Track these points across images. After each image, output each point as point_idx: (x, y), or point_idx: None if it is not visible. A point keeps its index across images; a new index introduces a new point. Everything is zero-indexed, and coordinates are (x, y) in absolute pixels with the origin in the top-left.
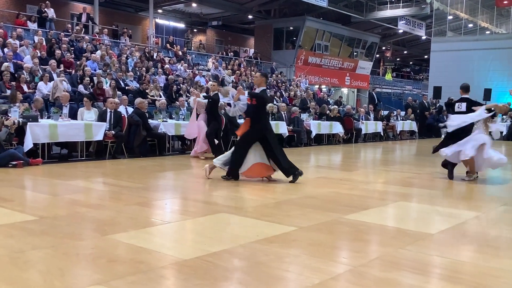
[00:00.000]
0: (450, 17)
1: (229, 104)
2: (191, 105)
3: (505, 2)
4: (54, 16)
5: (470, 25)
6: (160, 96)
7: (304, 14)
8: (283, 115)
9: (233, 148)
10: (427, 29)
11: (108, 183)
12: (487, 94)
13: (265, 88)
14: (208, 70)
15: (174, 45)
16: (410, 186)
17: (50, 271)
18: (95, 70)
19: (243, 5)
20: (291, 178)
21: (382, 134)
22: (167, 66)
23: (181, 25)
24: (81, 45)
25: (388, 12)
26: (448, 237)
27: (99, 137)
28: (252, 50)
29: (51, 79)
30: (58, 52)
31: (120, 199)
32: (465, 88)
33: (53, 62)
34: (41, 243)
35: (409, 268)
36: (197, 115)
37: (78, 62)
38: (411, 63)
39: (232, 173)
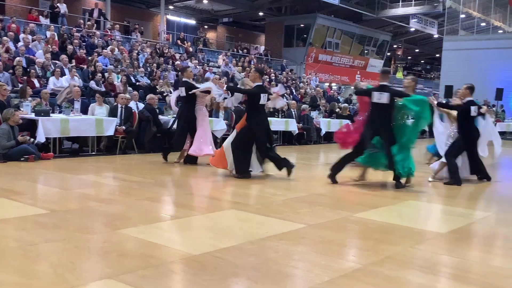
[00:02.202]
0: (462, 16)
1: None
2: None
3: None
4: (66, 12)
5: (483, 24)
6: (171, 92)
7: (315, 11)
8: (293, 112)
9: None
10: (439, 27)
11: (118, 178)
12: (499, 93)
13: (260, 83)
14: (219, 67)
15: (185, 42)
16: (420, 185)
17: (61, 264)
18: (106, 66)
19: (254, 2)
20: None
21: None
22: (177, 62)
23: (192, 22)
24: (93, 41)
25: (400, 10)
26: (458, 237)
27: (110, 132)
28: (262, 47)
29: (62, 74)
30: (70, 47)
31: (131, 194)
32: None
33: (64, 57)
34: (52, 236)
35: (419, 267)
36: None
37: (89, 58)
38: (422, 61)
39: (241, 171)
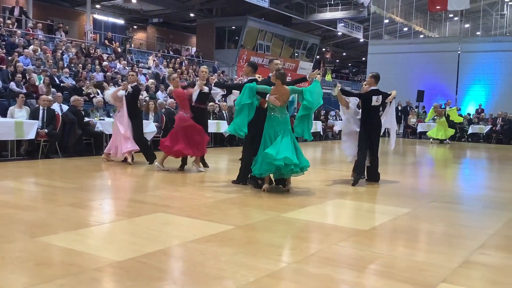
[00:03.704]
0: (386, 21)
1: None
2: (108, 99)
3: (438, 7)
4: None
5: (405, 29)
6: (98, 94)
7: (246, 14)
8: (224, 114)
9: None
10: (364, 32)
11: (40, 184)
12: (420, 95)
13: (253, 77)
14: (149, 68)
15: (113, 42)
16: (347, 184)
17: None
18: (28, 66)
19: (185, 2)
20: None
21: (321, 133)
22: (105, 63)
23: (120, 21)
24: (13, 40)
25: (327, 15)
26: (380, 233)
27: (31, 135)
28: (194, 49)
29: None
30: None
31: (52, 200)
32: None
33: None
34: None
35: (343, 264)
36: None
37: (9, 58)
38: (349, 64)
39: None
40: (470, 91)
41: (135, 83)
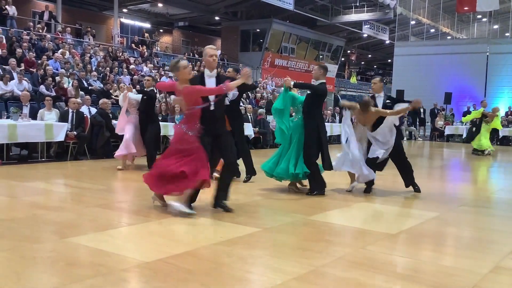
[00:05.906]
0: (412, 22)
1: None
2: (120, 103)
3: (466, 8)
4: (16, 14)
5: (432, 30)
6: None
7: (271, 16)
8: (249, 116)
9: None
10: (390, 33)
11: (69, 185)
12: (448, 97)
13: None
14: None
15: (140, 45)
16: (374, 187)
17: (5, 275)
18: (57, 70)
19: (210, 6)
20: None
21: None
22: (132, 66)
23: (147, 25)
24: (43, 44)
25: (353, 16)
26: (408, 237)
27: (61, 137)
28: (219, 52)
29: (11, 78)
30: (19, 50)
31: (81, 201)
32: None
33: (12, 61)
34: None
35: (370, 268)
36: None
37: (39, 61)
38: (375, 66)
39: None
40: (500, 93)
41: (152, 88)
